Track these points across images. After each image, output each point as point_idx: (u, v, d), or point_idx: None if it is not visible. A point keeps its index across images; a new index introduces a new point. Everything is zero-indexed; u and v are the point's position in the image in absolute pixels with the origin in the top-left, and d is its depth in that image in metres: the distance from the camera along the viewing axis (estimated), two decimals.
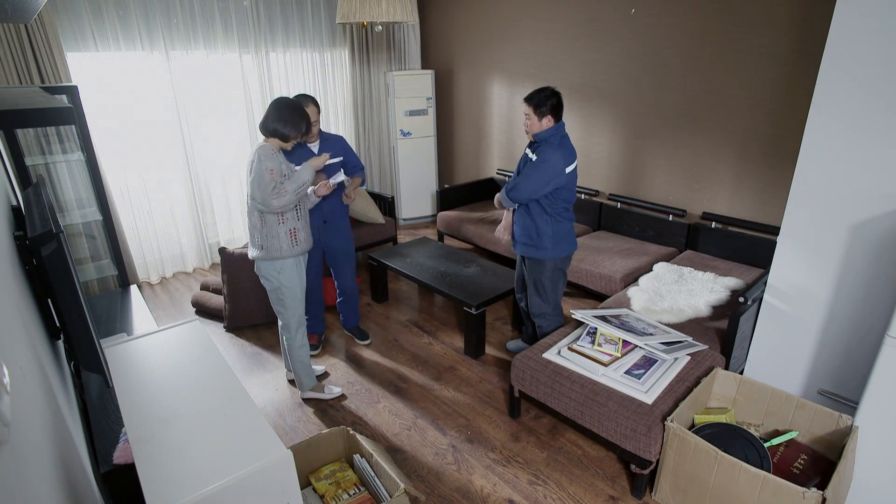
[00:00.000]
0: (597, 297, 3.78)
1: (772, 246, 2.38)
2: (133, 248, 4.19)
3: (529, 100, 2.51)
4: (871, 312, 2.09)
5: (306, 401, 2.81)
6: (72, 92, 3.15)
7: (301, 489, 1.60)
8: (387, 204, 4.67)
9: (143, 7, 3.83)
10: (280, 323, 2.66)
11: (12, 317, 1.04)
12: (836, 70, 1.96)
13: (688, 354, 2.40)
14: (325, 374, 3.03)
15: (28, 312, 1.31)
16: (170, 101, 4.12)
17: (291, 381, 2.97)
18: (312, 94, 4.91)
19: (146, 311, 3.21)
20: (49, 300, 1.55)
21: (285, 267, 2.47)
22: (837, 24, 1.92)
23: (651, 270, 3.35)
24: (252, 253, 2.49)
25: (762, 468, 1.83)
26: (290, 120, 2.34)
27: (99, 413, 1.94)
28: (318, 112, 2.73)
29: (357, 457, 2.14)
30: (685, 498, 2.01)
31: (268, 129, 2.37)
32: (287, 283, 2.51)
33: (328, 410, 2.76)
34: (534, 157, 2.57)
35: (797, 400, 2.13)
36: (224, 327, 3.57)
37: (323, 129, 2.93)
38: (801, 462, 2.02)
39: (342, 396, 2.84)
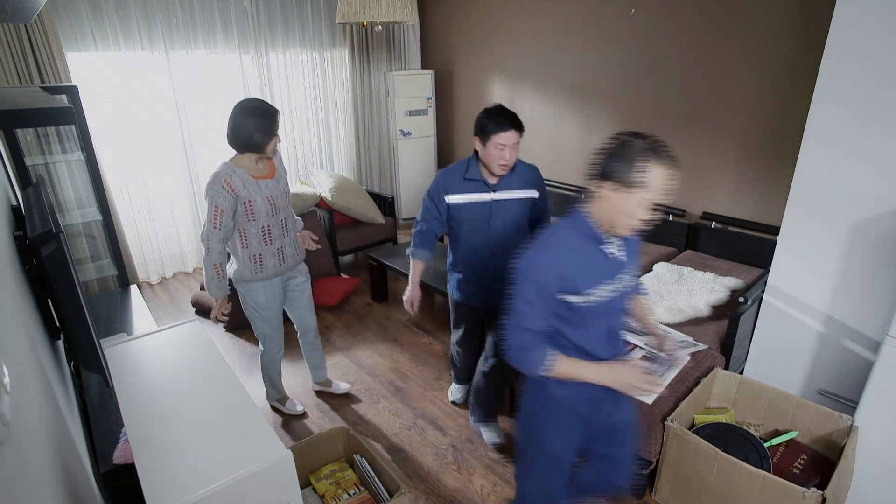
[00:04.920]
0: None
1: (772, 246, 2.38)
2: (133, 248, 4.19)
3: (519, 126, 1.96)
4: (871, 312, 2.09)
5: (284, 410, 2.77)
6: (72, 92, 3.15)
7: (301, 489, 1.60)
8: (387, 204, 4.67)
9: (143, 7, 3.83)
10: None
11: (12, 317, 1.04)
12: (836, 70, 1.96)
13: (688, 354, 2.40)
14: (303, 415, 2.73)
15: (28, 312, 1.31)
16: (170, 101, 4.12)
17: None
18: (312, 95, 4.95)
19: (146, 311, 3.21)
20: (49, 300, 1.55)
21: (251, 289, 2.33)
22: (837, 24, 1.92)
23: (651, 270, 3.34)
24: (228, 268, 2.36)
25: (762, 468, 1.83)
26: (262, 125, 2.08)
27: (99, 413, 1.94)
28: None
29: (357, 457, 2.14)
30: (685, 498, 2.01)
31: (241, 141, 2.10)
32: (252, 304, 2.38)
33: (328, 410, 2.76)
34: (535, 194, 2.15)
35: (797, 400, 2.13)
36: (224, 327, 3.57)
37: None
38: (801, 462, 2.02)
39: (304, 414, 2.73)
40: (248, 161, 2.17)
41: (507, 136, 1.91)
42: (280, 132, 2.20)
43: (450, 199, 2.11)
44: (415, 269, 2.26)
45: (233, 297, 3.44)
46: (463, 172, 2.09)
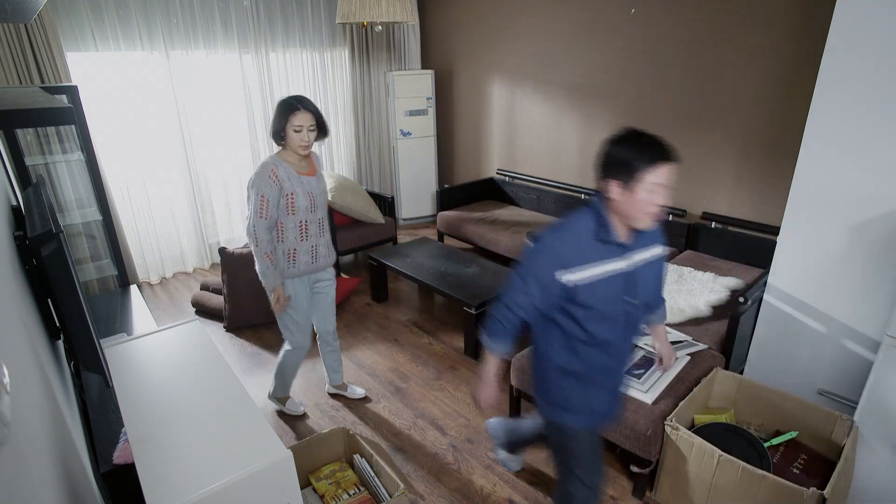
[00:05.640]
0: None
1: (772, 246, 2.38)
2: (133, 248, 4.19)
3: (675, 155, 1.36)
4: (871, 312, 2.09)
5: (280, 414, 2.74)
6: (72, 92, 3.15)
7: (301, 489, 1.60)
8: (387, 204, 4.67)
9: (143, 7, 3.83)
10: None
11: (12, 317, 1.04)
12: (836, 70, 1.96)
13: (688, 354, 2.40)
14: (303, 415, 2.73)
15: (28, 312, 1.31)
16: (170, 101, 4.12)
17: None
18: (312, 95, 4.94)
19: (146, 311, 3.21)
20: (49, 300, 1.55)
21: (284, 286, 2.33)
22: (837, 25, 1.93)
23: None
24: None
25: (762, 468, 1.83)
26: (276, 115, 2.17)
27: (99, 413, 1.94)
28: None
29: (357, 457, 2.14)
30: (685, 498, 2.01)
31: (272, 133, 2.21)
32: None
33: (328, 410, 2.76)
34: (663, 251, 1.62)
35: (797, 400, 2.13)
36: (224, 327, 3.57)
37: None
38: (801, 462, 2.02)
39: (304, 415, 2.72)
40: (290, 156, 2.23)
41: (665, 173, 1.33)
42: (298, 133, 2.17)
43: (573, 276, 1.42)
44: (491, 365, 1.61)
45: (235, 295, 3.45)
46: (594, 232, 1.43)
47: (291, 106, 2.15)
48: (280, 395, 2.72)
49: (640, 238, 1.48)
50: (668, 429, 1.99)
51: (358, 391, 2.85)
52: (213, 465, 1.19)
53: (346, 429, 2.20)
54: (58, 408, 1.28)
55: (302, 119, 2.14)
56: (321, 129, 2.24)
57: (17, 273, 1.32)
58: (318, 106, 5.17)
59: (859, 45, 1.89)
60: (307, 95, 4.82)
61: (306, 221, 2.29)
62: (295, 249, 2.30)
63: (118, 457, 1.70)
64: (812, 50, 2.89)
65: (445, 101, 5.56)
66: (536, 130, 4.67)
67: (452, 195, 4.95)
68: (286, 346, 2.54)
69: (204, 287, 3.91)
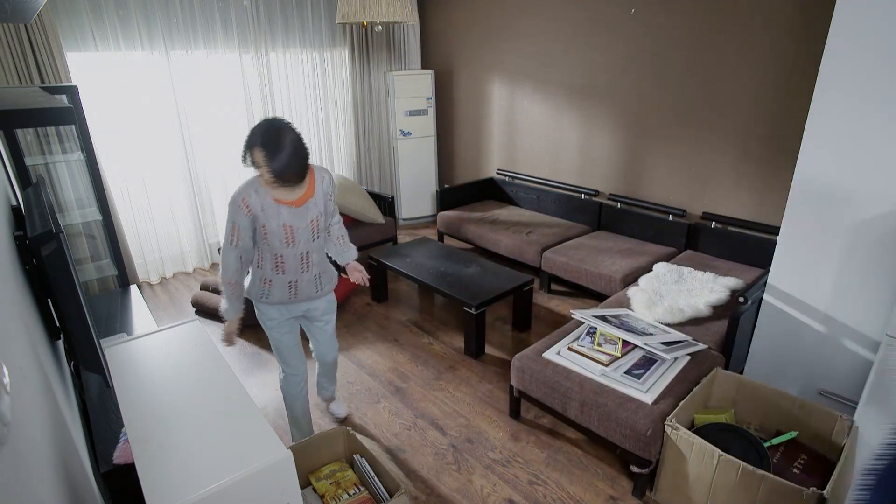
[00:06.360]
0: (597, 297, 3.78)
1: (772, 246, 2.38)
2: (133, 248, 4.19)
3: None
4: (871, 312, 2.09)
5: None
6: (72, 92, 3.15)
7: (301, 489, 1.60)
8: (387, 204, 4.67)
9: (143, 7, 3.83)
10: None
11: (12, 317, 1.04)
12: (836, 70, 1.96)
13: (688, 354, 2.40)
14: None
15: (28, 312, 1.31)
16: (170, 101, 4.12)
17: None
18: (312, 95, 4.95)
19: (146, 311, 3.21)
20: (49, 300, 1.55)
21: (260, 309, 2.17)
22: (837, 25, 1.93)
23: (651, 270, 3.34)
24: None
25: (762, 468, 1.82)
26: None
27: (99, 413, 1.94)
28: None
29: (357, 457, 2.14)
30: (685, 498, 2.01)
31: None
32: (263, 316, 2.19)
33: (328, 410, 2.75)
34: None
35: (797, 400, 2.13)
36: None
37: None
38: (801, 462, 2.02)
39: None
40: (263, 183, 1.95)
41: None
42: (258, 169, 1.86)
43: None
44: None
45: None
46: None
47: (252, 141, 1.81)
48: (296, 439, 2.47)
49: None
50: (668, 429, 1.99)
51: (340, 412, 2.69)
52: (213, 465, 1.19)
53: (346, 429, 2.20)
54: (58, 408, 1.28)
55: (258, 157, 1.80)
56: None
57: (17, 273, 1.32)
58: (318, 106, 5.04)
59: (859, 45, 1.89)
60: (307, 95, 4.88)
61: (282, 256, 2.02)
62: (270, 280, 2.08)
63: (118, 457, 1.70)
64: (812, 50, 2.89)
65: (445, 101, 5.56)
66: (536, 130, 4.67)
67: (452, 195, 4.95)
68: (279, 376, 2.35)
69: (204, 287, 3.91)
